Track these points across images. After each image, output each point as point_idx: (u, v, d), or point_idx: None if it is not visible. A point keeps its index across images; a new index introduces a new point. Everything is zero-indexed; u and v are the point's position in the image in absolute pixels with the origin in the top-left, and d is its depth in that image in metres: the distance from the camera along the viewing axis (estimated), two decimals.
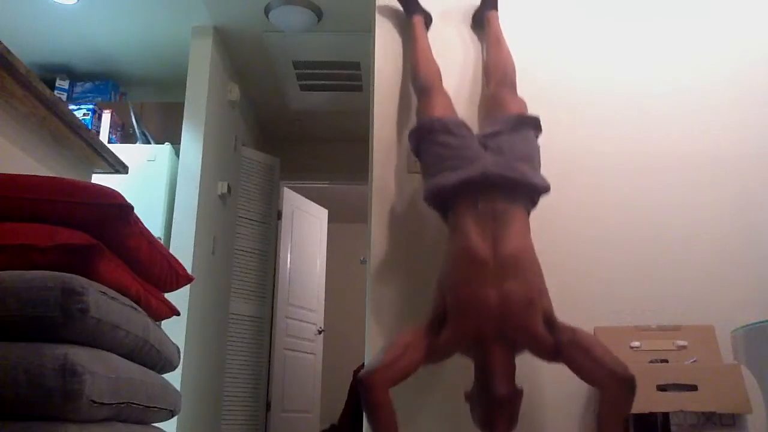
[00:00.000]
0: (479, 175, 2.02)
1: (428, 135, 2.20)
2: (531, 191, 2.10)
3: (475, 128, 2.35)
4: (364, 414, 2.25)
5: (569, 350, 1.91)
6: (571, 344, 1.91)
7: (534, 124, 2.22)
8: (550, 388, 2.36)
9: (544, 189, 2.12)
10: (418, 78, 2.47)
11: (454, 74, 2.71)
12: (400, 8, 2.79)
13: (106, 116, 4.21)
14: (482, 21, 2.73)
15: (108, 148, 2.45)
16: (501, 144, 2.11)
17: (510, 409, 1.89)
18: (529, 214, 2.12)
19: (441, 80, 2.46)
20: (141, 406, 1.48)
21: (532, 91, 2.58)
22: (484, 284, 1.92)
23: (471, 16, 2.80)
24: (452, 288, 1.99)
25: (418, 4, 2.73)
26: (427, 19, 2.75)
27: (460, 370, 2.18)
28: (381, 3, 2.85)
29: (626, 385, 1.83)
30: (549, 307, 1.98)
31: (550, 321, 1.95)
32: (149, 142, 4.27)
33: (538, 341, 1.93)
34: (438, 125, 2.19)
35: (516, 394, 1.91)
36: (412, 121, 2.65)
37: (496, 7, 2.70)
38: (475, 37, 2.79)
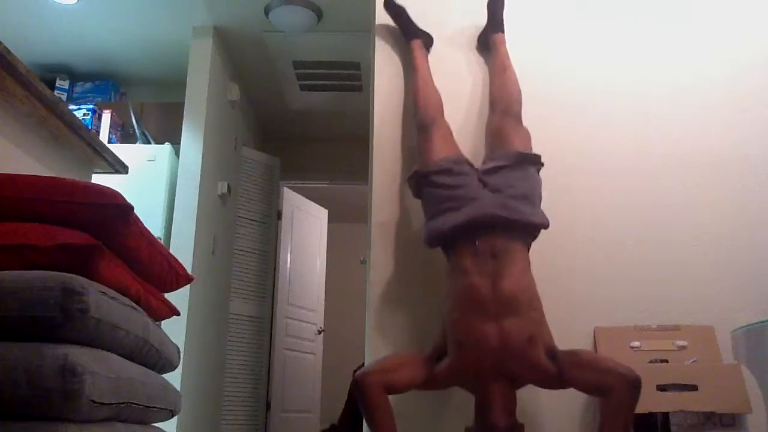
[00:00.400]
0: (476, 216, 2.04)
1: (426, 177, 2.21)
2: (529, 229, 2.11)
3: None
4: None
5: (573, 371, 1.92)
6: (574, 366, 1.92)
7: (535, 161, 2.22)
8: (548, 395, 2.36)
9: (543, 226, 2.13)
10: (418, 113, 2.45)
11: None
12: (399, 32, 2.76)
13: (106, 116, 4.21)
14: (488, 43, 2.70)
15: (108, 148, 2.45)
16: (500, 182, 2.12)
17: None
18: (528, 248, 2.13)
19: (442, 111, 2.44)
20: (141, 406, 1.48)
21: (533, 91, 2.58)
22: (484, 322, 1.94)
23: (476, 38, 2.76)
24: (452, 325, 2.01)
25: (417, 28, 2.69)
26: (428, 41, 2.71)
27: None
28: (381, 3, 2.84)
29: (634, 386, 1.83)
30: (549, 338, 1.99)
31: (551, 351, 1.96)
32: (149, 142, 4.27)
33: (540, 373, 1.94)
34: (435, 168, 2.20)
35: (515, 428, 1.92)
36: (412, 122, 2.66)
37: (502, 30, 2.65)
38: (480, 60, 2.76)
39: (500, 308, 1.94)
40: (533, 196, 2.15)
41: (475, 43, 2.77)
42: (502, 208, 2.05)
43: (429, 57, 2.69)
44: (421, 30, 2.70)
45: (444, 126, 2.39)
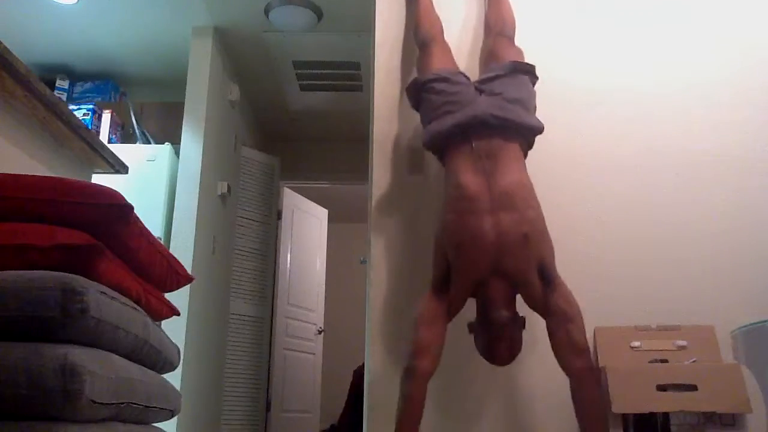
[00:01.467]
0: (472, 116, 2.08)
1: (424, 85, 2.26)
2: (524, 131, 2.15)
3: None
4: (365, 411, 2.25)
5: (554, 318, 1.95)
6: (557, 313, 1.95)
7: (529, 71, 2.27)
8: (545, 387, 2.36)
9: (538, 129, 2.17)
10: (420, 32, 2.52)
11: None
12: None
13: (106, 116, 4.21)
14: None
15: (108, 148, 2.45)
16: (495, 87, 2.17)
17: (511, 334, 1.94)
18: (525, 154, 2.17)
19: (442, 33, 2.51)
20: (141, 406, 1.48)
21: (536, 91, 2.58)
22: (479, 217, 1.96)
23: None
24: (448, 227, 2.02)
25: None
26: None
27: (459, 353, 2.18)
28: (381, 3, 2.84)
29: (594, 373, 1.86)
30: (547, 254, 2.01)
31: (546, 271, 1.98)
32: (149, 142, 4.27)
33: (528, 285, 1.97)
34: (433, 76, 2.25)
35: (516, 319, 1.96)
36: (413, 118, 2.66)
37: None
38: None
39: (495, 203, 1.97)
40: (528, 102, 2.20)
41: None
42: (498, 109, 2.10)
43: None
44: None
45: (443, 45, 2.47)
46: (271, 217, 5.39)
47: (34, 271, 1.28)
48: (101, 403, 1.25)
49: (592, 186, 2.62)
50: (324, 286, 6.26)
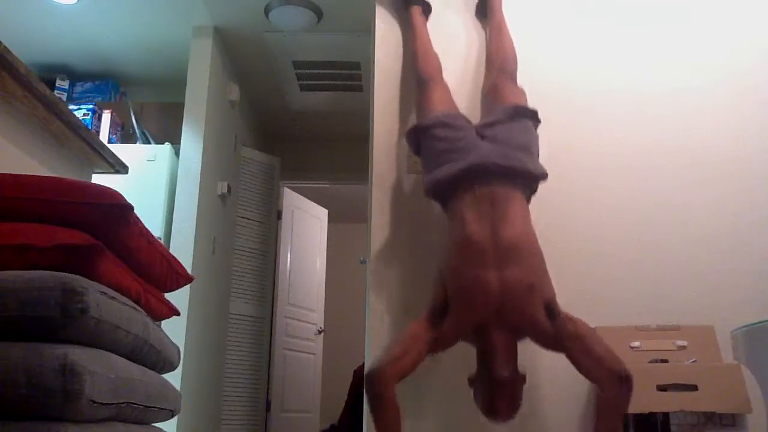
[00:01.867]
0: (474, 164, 2.05)
1: (425, 131, 2.22)
2: (528, 178, 2.12)
3: (476, 117, 2.36)
4: (365, 411, 2.25)
5: (569, 342, 1.92)
6: (571, 337, 1.92)
7: (531, 115, 2.23)
8: (548, 388, 2.36)
9: (541, 176, 2.13)
10: (417, 71, 2.50)
11: (457, 62, 2.73)
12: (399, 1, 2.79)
13: (106, 116, 4.21)
14: (485, 7, 2.74)
15: (108, 148, 2.45)
16: (497, 133, 2.14)
17: (512, 391, 1.91)
18: (528, 200, 2.14)
19: (440, 71, 2.48)
20: (141, 406, 1.48)
21: (533, 91, 2.57)
22: (484, 269, 1.93)
23: (474, 3, 2.80)
24: (453, 274, 2.00)
25: None
26: (426, 9, 2.75)
27: (461, 354, 2.18)
28: (381, 2, 2.84)
29: (623, 383, 1.83)
30: (551, 294, 1.98)
31: (551, 308, 1.95)
32: (149, 142, 4.27)
33: (537, 328, 1.94)
34: (433, 121, 2.22)
35: (518, 378, 1.93)
36: (413, 119, 2.66)
37: None
38: (478, 24, 2.79)
39: (500, 256, 1.94)
40: (531, 148, 2.17)
41: (473, 7, 2.81)
42: (501, 157, 2.06)
43: (428, 21, 2.73)
44: None
45: (442, 84, 2.44)
46: (271, 217, 5.39)
47: (34, 271, 1.28)
48: (101, 403, 1.25)
49: (592, 186, 2.62)
50: (324, 286, 6.26)
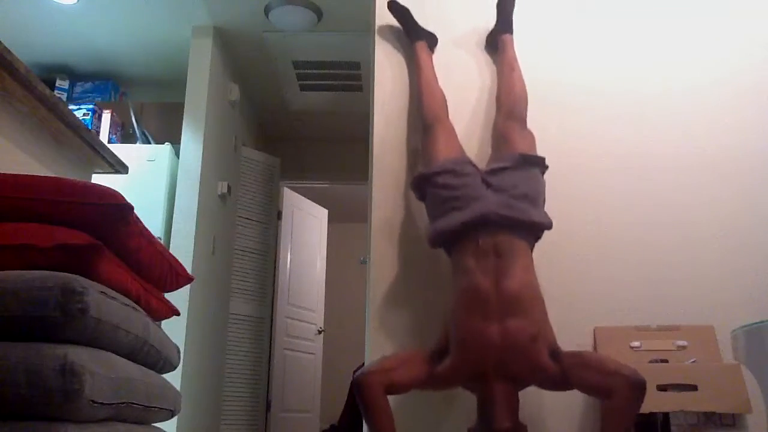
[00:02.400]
0: (480, 215, 2.04)
1: (430, 179, 2.21)
2: (532, 229, 2.11)
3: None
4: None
5: (577, 372, 1.91)
6: (577, 366, 1.91)
7: (538, 163, 2.22)
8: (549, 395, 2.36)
9: (546, 226, 2.12)
10: (422, 112, 2.46)
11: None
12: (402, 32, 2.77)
13: (106, 116, 4.21)
14: (496, 44, 2.70)
15: (108, 148, 2.45)
16: (503, 182, 2.12)
17: None
18: (532, 248, 2.13)
19: (446, 110, 2.45)
20: (141, 406, 1.48)
21: (533, 91, 2.58)
22: (487, 321, 1.93)
23: (485, 39, 2.77)
24: (455, 324, 2.00)
25: (421, 29, 2.70)
26: (432, 42, 2.72)
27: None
28: (381, 3, 2.84)
29: (638, 388, 1.82)
30: (552, 338, 1.99)
31: (554, 351, 1.96)
32: (149, 142, 4.27)
33: (543, 372, 1.94)
34: (438, 169, 2.20)
35: (519, 429, 1.92)
36: (413, 118, 2.65)
37: (510, 31, 2.66)
38: (489, 59, 2.76)
39: (503, 308, 1.94)
40: (536, 197, 2.15)
41: (483, 43, 2.78)
42: (505, 207, 2.05)
43: (438, 56, 2.70)
44: (424, 30, 2.70)
45: (448, 126, 2.40)
46: (271, 217, 5.39)
47: (35, 271, 1.28)
48: (101, 403, 1.25)
49: (592, 187, 2.62)
50: (324, 286, 6.26)
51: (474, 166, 2.21)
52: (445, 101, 2.48)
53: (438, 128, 2.37)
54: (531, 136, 2.34)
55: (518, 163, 2.17)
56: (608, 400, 1.85)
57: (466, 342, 1.96)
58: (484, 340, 1.92)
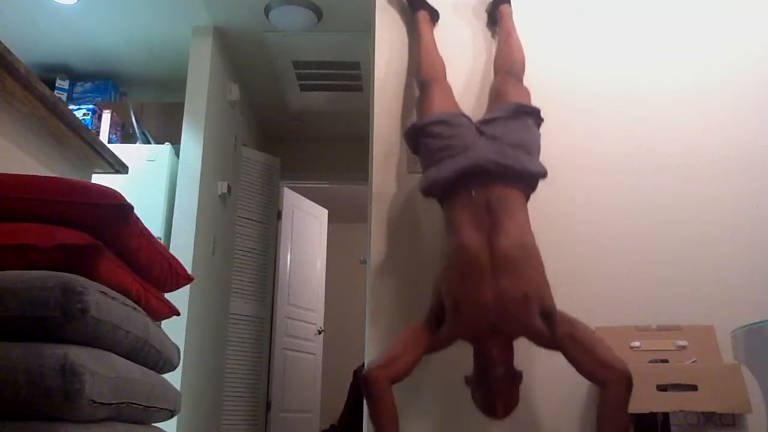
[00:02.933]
0: (472, 163, 2.02)
1: (423, 129, 2.20)
2: (526, 177, 2.09)
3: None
4: (364, 411, 2.25)
5: (567, 344, 1.93)
6: (568, 338, 1.93)
7: (533, 113, 2.21)
8: (548, 388, 2.36)
9: (540, 175, 2.10)
10: (421, 72, 2.48)
11: (464, 70, 2.73)
12: (404, 2, 2.79)
13: (106, 116, 4.21)
14: (495, 15, 2.74)
15: (108, 148, 2.45)
16: (496, 131, 2.11)
17: (509, 390, 1.93)
18: (527, 199, 2.11)
19: (443, 74, 2.46)
20: (141, 406, 1.48)
21: (534, 91, 2.58)
22: (479, 281, 1.92)
23: (485, 11, 2.80)
24: (448, 286, 2.00)
25: (423, 0, 2.72)
26: (434, 16, 2.74)
27: (457, 353, 2.19)
28: (381, 2, 2.84)
29: (623, 382, 1.84)
30: (547, 298, 1.97)
31: (548, 313, 1.95)
32: (149, 142, 4.27)
33: (534, 334, 1.95)
34: (432, 119, 2.20)
35: (514, 376, 1.95)
36: (412, 118, 2.65)
37: (509, 2, 2.71)
38: (488, 33, 2.79)
39: (496, 267, 1.92)
40: (531, 146, 2.13)
41: (483, 16, 2.81)
42: (498, 154, 2.03)
43: (437, 29, 2.72)
44: (427, 3, 2.73)
45: (445, 86, 2.41)
46: (271, 217, 5.39)
47: (35, 271, 1.28)
48: (101, 403, 1.25)
49: (592, 186, 2.62)
50: (324, 286, 6.26)
51: (468, 118, 2.20)
52: (444, 66, 2.50)
53: (434, 86, 2.38)
54: (526, 91, 2.34)
55: (512, 112, 2.16)
56: (603, 394, 1.87)
57: (460, 305, 1.95)
58: (477, 301, 1.92)
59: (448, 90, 2.40)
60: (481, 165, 2.01)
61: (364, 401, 2.23)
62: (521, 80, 2.40)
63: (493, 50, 2.72)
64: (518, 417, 2.34)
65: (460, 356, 2.17)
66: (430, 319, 2.04)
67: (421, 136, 2.21)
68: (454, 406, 2.37)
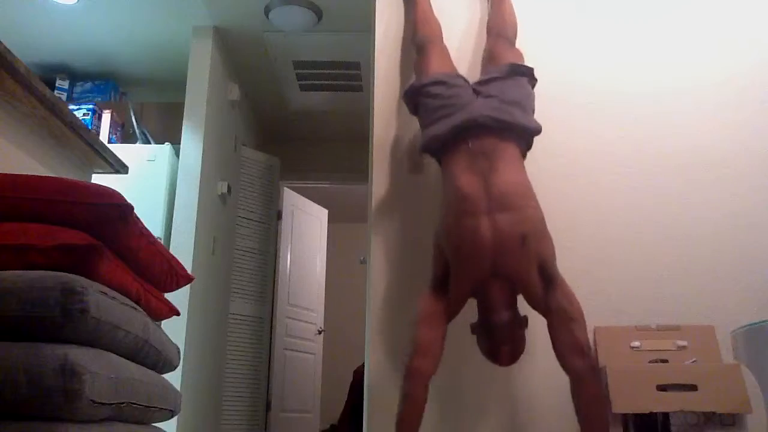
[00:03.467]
0: (468, 119, 2.06)
1: (421, 89, 2.24)
2: (521, 132, 2.13)
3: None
4: (365, 411, 2.25)
5: (555, 316, 1.94)
6: (561, 311, 1.94)
7: (527, 73, 2.25)
8: (545, 386, 2.36)
9: (535, 130, 2.15)
10: (417, 35, 2.50)
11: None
12: None
13: (106, 116, 4.21)
14: None
15: (108, 148, 2.45)
16: (492, 89, 2.16)
17: (513, 335, 1.94)
18: (524, 155, 2.16)
19: (440, 36, 2.48)
20: (141, 406, 1.48)
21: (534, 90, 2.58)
22: (477, 219, 1.95)
23: None
24: (446, 230, 2.02)
25: None
26: None
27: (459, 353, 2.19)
28: (381, 3, 2.84)
29: (598, 375, 1.85)
30: (547, 252, 1.99)
31: (548, 272, 1.97)
32: (149, 142, 4.27)
33: (528, 286, 1.96)
34: (430, 79, 2.23)
35: (518, 320, 1.96)
36: (412, 118, 2.65)
37: None
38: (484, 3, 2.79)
39: (492, 204, 1.95)
40: (526, 103, 2.18)
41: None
42: (494, 110, 2.08)
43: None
44: None
45: (441, 46, 2.44)
46: (271, 217, 5.39)
47: (35, 271, 1.28)
48: (101, 403, 1.25)
49: (592, 186, 2.61)
50: (324, 286, 6.26)
51: (465, 79, 2.25)
52: (440, 28, 2.51)
53: (431, 48, 2.40)
54: (519, 54, 2.38)
55: (507, 73, 2.21)
56: (578, 389, 1.89)
57: (460, 248, 1.97)
58: (475, 239, 1.93)
59: (445, 51, 2.43)
60: (477, 120, 2.07)
61: (366, 401, 2.22)
62: (513, 42, 2.45)
63: (486, 15, 2.71)
64: (516, 411, 2.34)
65: (460, 363, 2.17)
66: (435, 282, 2.06)
67: (420, 96, 2.25)
68: (455, 394, 2.37)
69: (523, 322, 1.98)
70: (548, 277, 1.97)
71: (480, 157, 2.02)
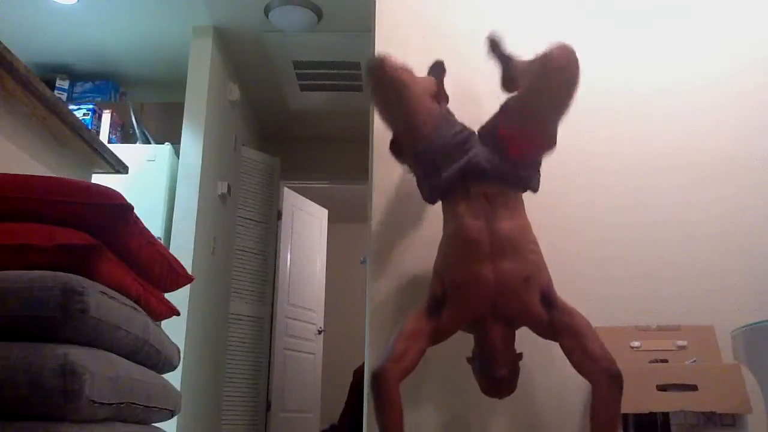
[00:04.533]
0: (470, 163, 2.05)
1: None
2: (520, 183, 2.10)
3: None
4: (365, 411, 2.25)
5: (563, 335, 1.94)
6: (565, 328, 1.94)
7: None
8: (546, 388, 2.36)
9: (533, 188, 2.12)
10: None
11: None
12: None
13: (106, 116, 4.22)
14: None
15: (108, 148, 2.45)
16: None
17: (510, 378, 1.97)
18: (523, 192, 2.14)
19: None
20: (141, 406, 1.48)
21: None
22: (480, 263, 1.94)
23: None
24: (448, 269, 2.01)
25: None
26: (440, 71, 2.63)
27: (458, 342, 2.19)
28: (381, 3, 2.84)
29: (607, 378, 1.84)
30: (547, 283, 1.99)
31: (548, 298, 1.97)
32: (149, 142, 4.27)
33: (533, 319, 1.96)
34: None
35: (515, 365, 1.97)
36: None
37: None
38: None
39: (495, 248, 1.95)
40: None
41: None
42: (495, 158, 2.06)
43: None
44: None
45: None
46: (271, 217, 5.39)
47: (35, 271, 1.28)
48: (101, 403, 1.25)
49: (592, 186, 2.61)
50: (324, 286, 6.26)
51: (468, 129, 2.18)
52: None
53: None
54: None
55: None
56: (592, 391, 1.88)
57: (462, 288, 1.97)
58: (477, 283, 1.93)
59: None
60: (479, 165, 2.04)
61: (366, 401, 2.22)
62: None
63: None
64: (518, 409, 2.34)
65: (461, 345, 2.17)
66: (430, 305, 2.04)
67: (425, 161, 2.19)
68: (453, 401, 2.37)
69: (519, 357, 2.00)
70: (549, 303, 1.97)
71: (481, 200, 2.01)
